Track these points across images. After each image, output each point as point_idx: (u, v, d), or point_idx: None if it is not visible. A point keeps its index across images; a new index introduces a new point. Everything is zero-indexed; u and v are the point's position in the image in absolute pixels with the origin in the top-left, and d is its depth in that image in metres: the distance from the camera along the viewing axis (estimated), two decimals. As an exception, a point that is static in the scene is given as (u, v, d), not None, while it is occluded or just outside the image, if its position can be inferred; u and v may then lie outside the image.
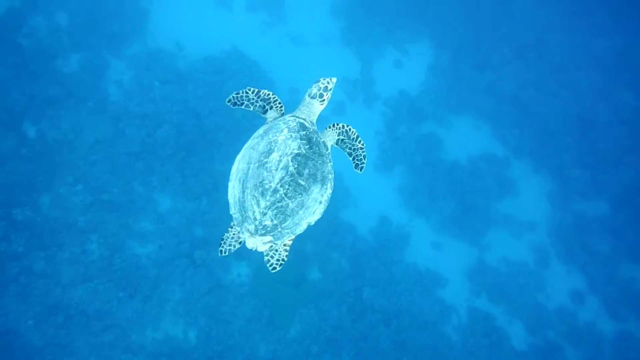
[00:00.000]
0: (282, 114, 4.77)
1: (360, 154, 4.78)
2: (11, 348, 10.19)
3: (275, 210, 4.10)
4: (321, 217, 13.83)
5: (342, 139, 4.77)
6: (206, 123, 14.05)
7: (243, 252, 13.65)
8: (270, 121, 4.66)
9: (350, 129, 4.80)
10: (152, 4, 16.00)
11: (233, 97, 4.79)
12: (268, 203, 4.07)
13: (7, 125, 12.45)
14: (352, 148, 4.76)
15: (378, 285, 14.37)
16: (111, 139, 13.14)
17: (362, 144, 4.79)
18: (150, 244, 12.66)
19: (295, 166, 4.14)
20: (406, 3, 16.78)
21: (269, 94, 4.81)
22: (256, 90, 4.77)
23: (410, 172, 15.92)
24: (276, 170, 4.08)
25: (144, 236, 12.61)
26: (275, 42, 16.55)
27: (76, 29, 14.67)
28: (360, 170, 4.78)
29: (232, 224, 4.41)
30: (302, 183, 4.18)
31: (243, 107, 4.79)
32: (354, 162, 4.79)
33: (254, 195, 4.11)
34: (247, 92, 4.77)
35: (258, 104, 4.76)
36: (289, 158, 4.12)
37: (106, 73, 14.44)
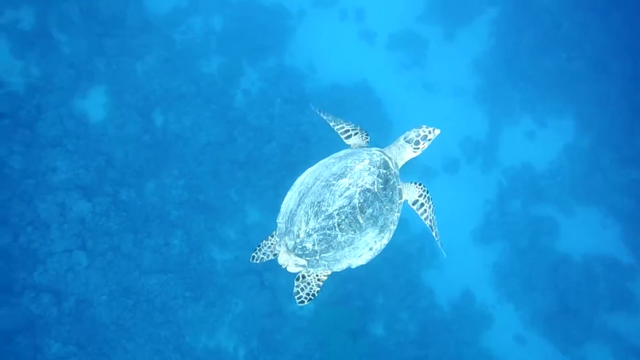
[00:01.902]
0: (367, 144, 4.50)
1: (433, 224, 4.32)
2: (82, 316, 11.13)
3: (321, 236, 3.78)
4: (398, 273, 12.93)
5: (422, 203, 4.31)
6: (313, 149, 14.13)
7: (313, 286, 13.50)
8: (354, 147, 4.41)
9: (430, 202, 4.33)
10: (299, 23, 16.50)
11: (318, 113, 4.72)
12: (317, 226, 3.77)
13: (139, 111, 13.66)
14: (428, 217, 4.32)
15: (442, 362, 13.36)
16: (222, 144, 13.79)
17: (433, 222, 4.31)
18: (228, 252, 13.04)
19: (361, 200, 3.82)
20: (559, 74, 15.29)
21: (350, 123, 4.59)
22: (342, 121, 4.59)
23: (511, 251, 14.54)
24: (340, 196, 3.79)
25: (225, 243, 13.04)
26: (406, 85, 16.15)
27: (226, 35, 15.66)
28: (437, 238, 4.29)
29: (273, 232, 4.20)
30: (360, 221, 3.83)
31: (326, 121, 4.62)
32: (433, 231, 4.34)
33: (306, 212, 3.84)
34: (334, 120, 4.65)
35: (340, 124, 4.56)
36: (358, 190, 3.81)
37: (238, 80, 15.19)
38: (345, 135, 4.53)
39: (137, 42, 14.57)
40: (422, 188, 4.32)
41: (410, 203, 4.32)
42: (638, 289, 14.23)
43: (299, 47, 16.13)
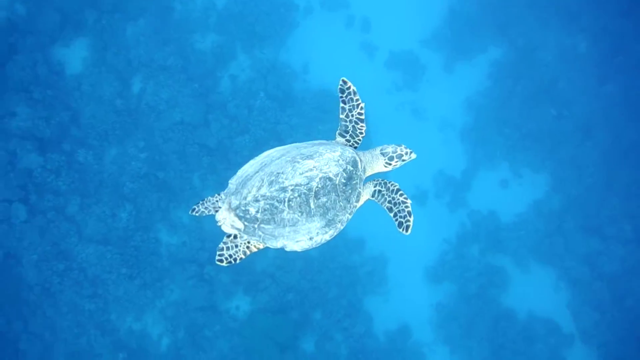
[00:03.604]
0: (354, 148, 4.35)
1: (404, 209, 3.99)
2: (7, 273, 10.73)
3: (267, 205, 3.68)
4: (342, 293, 12.63)
5: (379, 190, 4.14)
6: (286, 151, 13.83)
7: (253, 286, 13.29)
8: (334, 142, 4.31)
9: (389, 182, 4.13)
10: (304, 20, 16.08)
11: (344, 82, 4.41)
12: (268, 194, 3.67)
13: (118, 74, 13.22)
14: (393, 202, 4.05)
15: (367, 391, 13.27)
16: (195, 126, 13.43)
17: (406, 199, 4.02)
18: (177, 236, 12.74)
19: (319, 186, 3.74)
20: (545, 129, 15.18)
21: (362, 129, 4.31)
22: (363, 112, 4.30)
23: (457, 296, 14.46)
24: (300, 174, 3.71)
25: (175, 227, 12.72)
26: (394, 106, 15.89)
27: (227, 14, 15.19)
28: (406, 231, 3.94)
29: (222, 192, 4.06)
30: (312, 205, 3.74)
31: (340, 99, 4.37)
32: (396, 220, 4.00)
33: (262, 179, 3.73)
34: (354, 98, 4.35)
35: (348, 120, 4.30)
36: (320, 174, 3.74)
37: (229, 64, 14.78)
38: (342, 130, 4.33)
39: (134, 3, 14.09)
40: (377, 180, 4.19)
41: (371, 197, 4.18)
42: (571, 358, 14.27)
43: (297, 44, 15.74)
